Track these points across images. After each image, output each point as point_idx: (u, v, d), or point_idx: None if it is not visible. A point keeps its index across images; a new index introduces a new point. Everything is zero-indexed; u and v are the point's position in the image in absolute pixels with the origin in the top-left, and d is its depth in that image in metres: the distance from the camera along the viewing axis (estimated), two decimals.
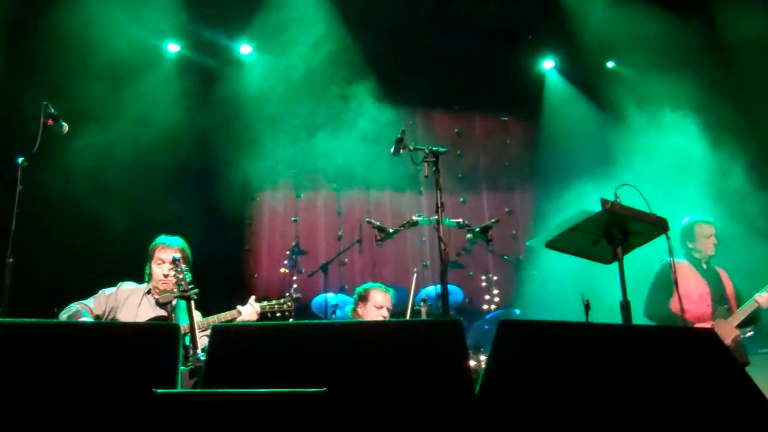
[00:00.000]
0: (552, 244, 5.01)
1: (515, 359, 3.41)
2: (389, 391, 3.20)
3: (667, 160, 9.06)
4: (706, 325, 6.47)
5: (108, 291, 5.72)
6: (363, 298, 6.44)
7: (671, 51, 9.61)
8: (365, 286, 6.56)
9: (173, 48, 9.81)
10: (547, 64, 11.00)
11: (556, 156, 10.30)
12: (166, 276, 5.64)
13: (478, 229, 5.75)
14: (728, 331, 6.47)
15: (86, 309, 5.49)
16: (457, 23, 10.38)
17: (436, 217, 5.29)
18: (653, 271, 6.91)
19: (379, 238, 6.02)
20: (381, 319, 6.20)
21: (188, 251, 5.84)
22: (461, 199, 10.65)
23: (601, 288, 6.11)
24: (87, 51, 8.53)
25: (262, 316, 5.72)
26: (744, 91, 9.30)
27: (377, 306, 6.34)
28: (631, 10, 9.48)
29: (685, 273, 6.78)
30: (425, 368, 3.29)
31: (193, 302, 5.07)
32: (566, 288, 7.86)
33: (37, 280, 7.18)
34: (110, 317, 5.56)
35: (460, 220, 5.80)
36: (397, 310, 7.62)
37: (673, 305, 6.60)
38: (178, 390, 3.16)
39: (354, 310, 6.53)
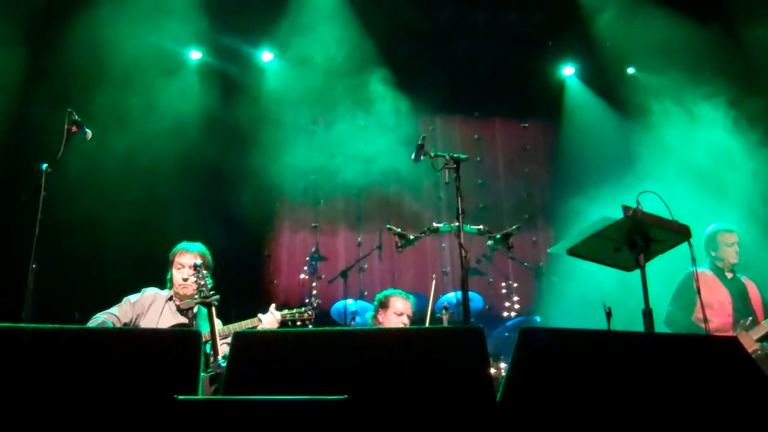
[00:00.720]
0: (573, 251, 4.99)
1: (536, 367, 3.40)
2: (410, 398, 3.19)
3: (691, 166, 9.01)
4: (728, 335, 6.41)
5: (133, 298, 5.74)
6: (383, 304, 6.42)
7: (691, 56, 9.55)
8: (386, 292, 6.55)
9: (195, 55, 9.87)
10: (568, 71, 10.98)
11: (577, 162, 10.25)
12: (185, 280, 5.66)
13: (499, 236, 5.75)
14: (748, 344, 6.39)
15: (112, 318, 5.52)
16: (477, 29, 10.41)
17: (457, 223, 5.28)
18: (676, 280, 6.88)
19: (399, 244, 6.03)
20: (401, 326, 6.19)
21: (209, 257, 5.86)
22: (481, 206, 10.62)
23: (623, 295, 6.08)
24: (109, 59, 8.61)
25: (283, 324, 5.72)
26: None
27: (398, 313, 6.33)
28: (650, 16, 9.48)
29: (708, 282, 6.74)
30: (446, 376, 3.28)
31: (214, 308, 5.09)
32: (587, 295, 7.82)
33: (60, 286, 7.23)
34: (135, 324, 5.59)
35: (481, 226, 5.79)
36: (418, 317, 7.61)
37: (694, 315, 6.57)
38: (199, 397, 3.17)
39: (374, 317, 6.52)
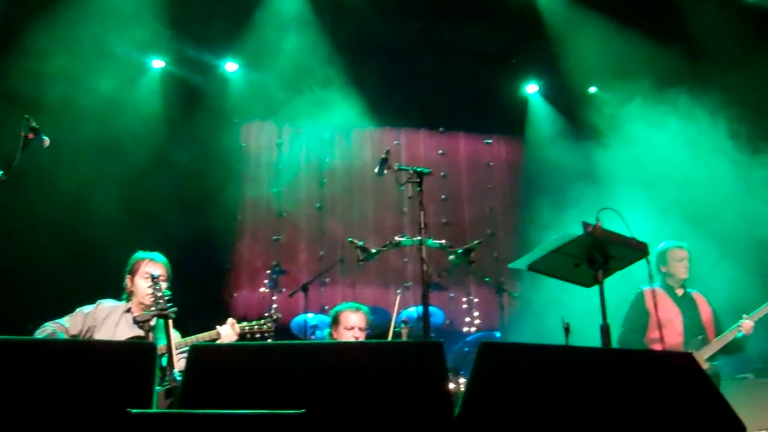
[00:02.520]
0: (534, 267, 5.00)
1: (495, 382, 3.39)
2: (369, 412, 3.16)
3: (651, 184, 9.14)
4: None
5: (86, 309, 5.59)
6: (335, 320, 6.32)
7: (652, 76, 9.70)
8: (337, 308, 6.44)
9: (158, 64, 9.79)
10: (531, 88, 11.09)
11: (539, 179, 10.36)
12: (150, 291, 5.56)
13: (460, 251, 5.74)
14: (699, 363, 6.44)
15: (62, 329, 5.39)
16: (443, 45, 10.46)
17: (419, 238, 5.27)
18: (629, 298, 6.95)
19: (361, 258, 5.98)
20: (354, 340, 6.13)
21: (169, 269, 5.78)
22: (444, 220, 10.66)
23: (582, 311, 6.11)
24: (68, 65, 8.49)
25: (242, 337, 5.65)
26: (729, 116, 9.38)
27: (348, 327, 6.23)
28: (612, 36, 9.60)
29: (659, 300, 6.79)
30: (404, 390, 3.25)
31: (171, 321, 5.01)
32: (547, 311, 7.87)
33: (11, 297, 7.10)
34: (87, 336, 5.45)
35: (443, 241, 5.78)
36: (379, 331, 7.58)
37: (646, 336, 6.64)
38: (154, 410, 3.11)
39: (330, 333, 6.46)
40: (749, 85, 9.32)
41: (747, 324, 6.66)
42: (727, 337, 6.68)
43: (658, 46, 9.73)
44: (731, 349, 6.78)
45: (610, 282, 5.00)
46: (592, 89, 10.78)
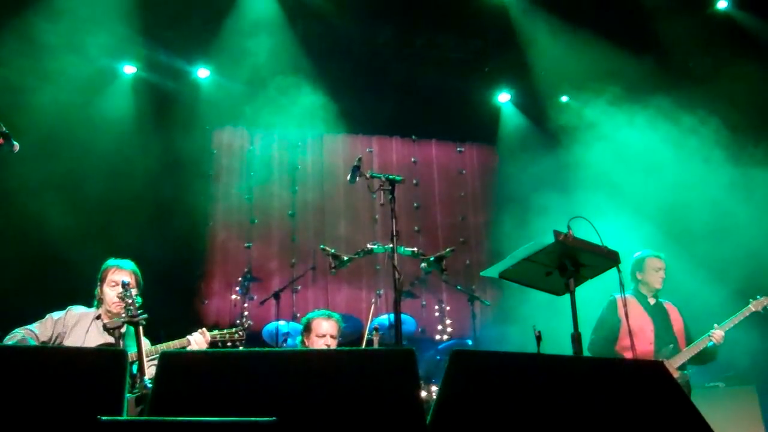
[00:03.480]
0: (505, 275, 5.02)
1: (466, 390, 3.39)
2: (340, 420, 3.15)
3: (622, 193, 9.23)
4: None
5: (56, 315, 5.53)
6: (306, 328, 6.30)
7: (624, 85, 9.80)
8: (309, 315, 6.41)
9: (129, 70, 9.72)
10: (503, 97, 11.15)
11: (512, 187, 10.40)
12: (120, 297, 5.51)
13: (432, 259, 5.74)
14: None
15: (31, 335, 5.32)
16: (416, 53, 10.47)
17: (391, 245, 5.28)
18: (601, 306, 7.00)
19: (333, 265, 5.96)
20: (325, 347, 6.12)
21: (139, 275, 5.73)
22: (416, 228, 10.68)
23: (553, 319, 6.14)
24: (38, 70, 8.42)
25: (213, 345, 5.61)
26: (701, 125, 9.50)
27: (320, 335, 6.20)
28: (584, 46, 9.68)
29: (632, 309, 6.85)
30: (376, 398, 3.25)
31: (141, 328, 4.96)
32: (519, 319, 7.91)
33: None
34: (57, 343, 5.39)
35: (415, 249, 5.78)
36: (351, 339, 7.57)
37: (618, 344, 6.69)
38: (124, 418, 3.08)
39: (302, 341, 6.43)
40: (720, 94, 9.46)
41: (718, 333, 6.74)
42: (699, 346, 6.75)
43: (629, 56, 9.84)
44: (702, 358, 6.85)
45: (581, 290, 5.04)
46: (564, 98, 10.86)
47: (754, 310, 6.93)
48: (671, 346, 6.79)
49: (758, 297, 7.00)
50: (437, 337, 9.49)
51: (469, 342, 8.80)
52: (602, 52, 9.76)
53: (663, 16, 9.82)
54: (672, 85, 9.80)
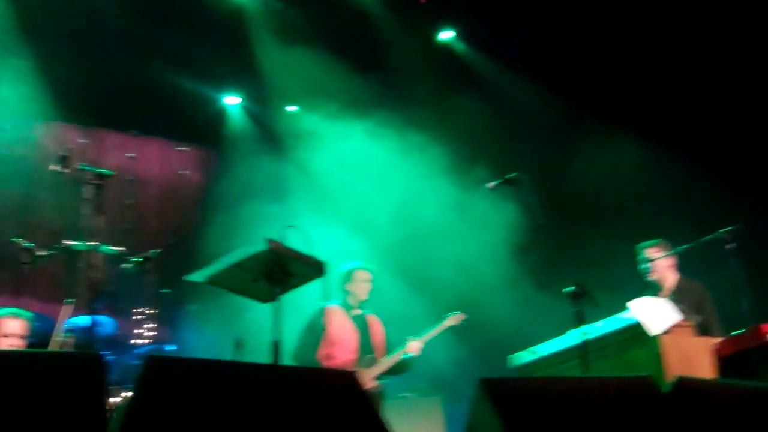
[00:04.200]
0: (212, 280, 4.92)
1: (158, 396, 3.25)
2: (17, 428, 2.89)
3: (337, 207, 9.48)
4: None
5: None
6: None
7: (351, 101, 10.11)
8: None
9: None
10: (231, 100, 11.00)
11: (230, 192, 10.26)
12: None
13: (136, 260, 5.52)
14: (366, 381, 6.71)
15: None
16: (145, 46, 9.99)
17: (94, 243, 4.99)
18: (307, 315, 7.11)
19: (26, 260, 5.56)
20: (10, 348, 5.68)
21: None
22: (126, 227, 10.17)
23: (258, 327, 6.12)
24: None
25: None
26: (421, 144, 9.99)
27: (4, 335, 5.78)
28: (314, 59, 9.86)
29: (337, 319, 7.03)
30: (58, 403, 3.01)
31: None
32: (224, 325, 7.82)
33: None
34: None
35: (120, 248, 5.53)
36: (47, 339, 7.06)
37: (320, 351, 6.82)
38: None
39: None
40: (442, 120, 10.05)
41: (414, 345, 7.08)
42: (395, 357, 7.05)
43: (357, 73, 10.15)
44: (398, 369, 7.16)
45: (289, 298, 5.06)
46: (292, 108, 10.96)
47: (449, 324, 7.39)
48: (370, 356, 7.03)
49: (455, 312, 7.47)
50: (138, 341, 9.13)
51: (171, 347, 8.54)
52: (332, 67, 9.98)
53: (394, 39, 10.29)
54: (398, 106, 10.26)
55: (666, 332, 5.39)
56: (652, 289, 6.85)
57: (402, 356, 7.06)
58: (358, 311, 7.27)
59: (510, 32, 10.17)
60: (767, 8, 8.26)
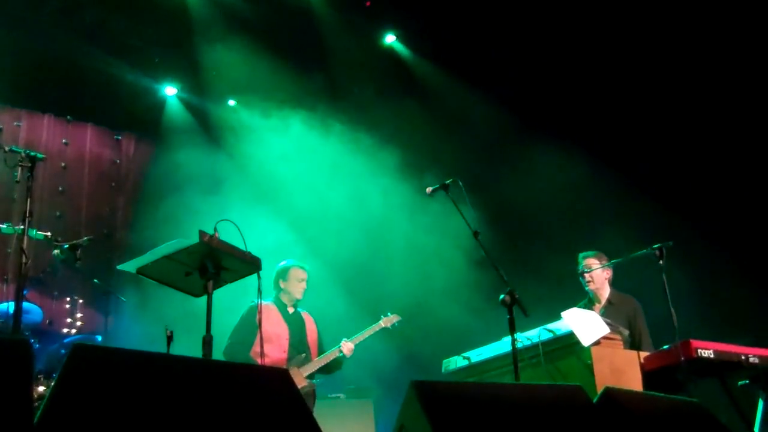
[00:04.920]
0: (144, 271, 4.84)
1: (84, 387, 3.20)
2: None
3: (273, 203, 9.45)
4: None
5: None
6: None
7: (291, 99, 10.10)
8: None
9: None
10: (170, 90, 10.86)
11: (166, 183, 10.13)
12: None
13: (66, 246, 5.43)
14: (298, 380, 6.71)
15: None
16: (84, 30, 9.78)
17: (22, 227, 4.89)
18: (240, 311, 7.09)
19: None
20: None
21: None
22: (58, 213, 9.97)
23: (190, 320, 6.07)
24: None
25: None
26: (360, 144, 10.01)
27: None
28: (258, 55, 9.82)
29: (270, 316, 7.02)
30: None
31: None
32: (156, 318, 7.72)
33: None
34: None
35: (49, 234, 5.43)
36: None
37: (252, 349, 6.79)
38: None
39: None
40: (386, 120, 10.10)
41: (348, 346, 7.11)
42: (328, 357, 7.07)
43: (300, 72, 10.16)
44: (331, 368, 7.19)
45: (222, 293, 5.04)
46: (231, 102, 10.90)
47: (383, 325, 7.42)
48: (303, 355, 7.03)
49: (388, 314, 7.51)
50: (65, 330, 8.96)
51: (99, 338, 8.40)
52: (275, 64, 9.95)
53: (335, 41, 10.30)
54: (339, 106, 10.28)
55: (596, 343, 5.48)
56: (587, 300, 6.95)
57: (337, 356, 7.10)
58: (293, 309, 7.27)
59: (454, 40, 10.26)
60: (703, 29, 8.46)
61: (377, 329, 7.38)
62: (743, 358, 5.59)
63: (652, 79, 8.93)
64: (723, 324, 7.43)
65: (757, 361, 5.62)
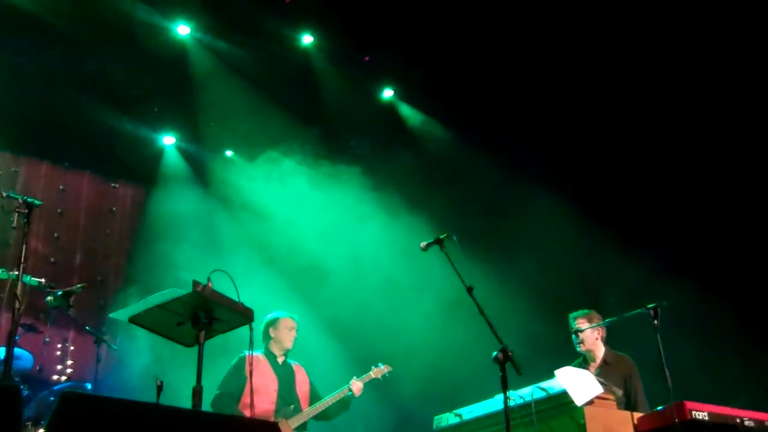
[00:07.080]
0: (136, 320, 4.83)
1: None
2: None
3: (267, 255, 9.46)
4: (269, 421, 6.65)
5: None
6: None
7: (290, 151, 10.18)
8: None
9: None
10: (168, 140, 10.92)
11: (161, 233, 10.10)
12: None
13: (60, 293, 5.42)
14: (286, 431, 6.68)
15: None
16: (84, 78, 9.88)
17: (16, 272, 4.90)
18: (230, 362, 7.07)
19: None
20: None
21: None
22: (52, 260, 9.96)
23: (183, 370, 6.03)
24: None
25: None
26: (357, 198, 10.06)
27: None
28: (258, 107, 9.93)
29: (260, 367, 7.00)
30: None
31: None
32: (146, 367, 7.67)
33: None
34: None
35: (42, 280, 5.43)
36: None
37: (240, 401, 6.75)
38: None
39: None
40: (376, 170, 10.15)
41: (357, 385, 7.15)
42: (335, 397, 7.08)
43: (299, 124, 10.27)
44: (338, 409, 7.20)
45: (212, 344, 5.02)
46: (229, 153, 10.96)
47: (374, 376, 7.42)
48: (292, 406, 7.00)
49: (380, 365, 7.50)
50: (55, 377, 8.90)
51: (89, 386, 8.32)
52: (274, 116, 10.05)
53: (334, 95, 10.42)
54: (336, 158, 10.35)
55: (590, 403, 5.43)
56: (582, 359, 6.87)
57: (346, 394, 7.10)
58: (282, 359, 7.25)
59: (452, 96, 10.38)
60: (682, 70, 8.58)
61: (367, 380, 7.37)
62: (738, 421, 5.49)
63: (644, 136, 9.02)
64: (718, 385, 7.36)
65: (752, 424, 5.51)
